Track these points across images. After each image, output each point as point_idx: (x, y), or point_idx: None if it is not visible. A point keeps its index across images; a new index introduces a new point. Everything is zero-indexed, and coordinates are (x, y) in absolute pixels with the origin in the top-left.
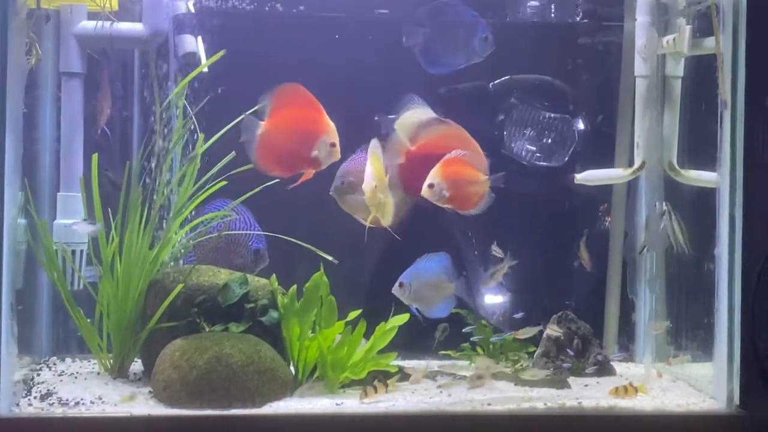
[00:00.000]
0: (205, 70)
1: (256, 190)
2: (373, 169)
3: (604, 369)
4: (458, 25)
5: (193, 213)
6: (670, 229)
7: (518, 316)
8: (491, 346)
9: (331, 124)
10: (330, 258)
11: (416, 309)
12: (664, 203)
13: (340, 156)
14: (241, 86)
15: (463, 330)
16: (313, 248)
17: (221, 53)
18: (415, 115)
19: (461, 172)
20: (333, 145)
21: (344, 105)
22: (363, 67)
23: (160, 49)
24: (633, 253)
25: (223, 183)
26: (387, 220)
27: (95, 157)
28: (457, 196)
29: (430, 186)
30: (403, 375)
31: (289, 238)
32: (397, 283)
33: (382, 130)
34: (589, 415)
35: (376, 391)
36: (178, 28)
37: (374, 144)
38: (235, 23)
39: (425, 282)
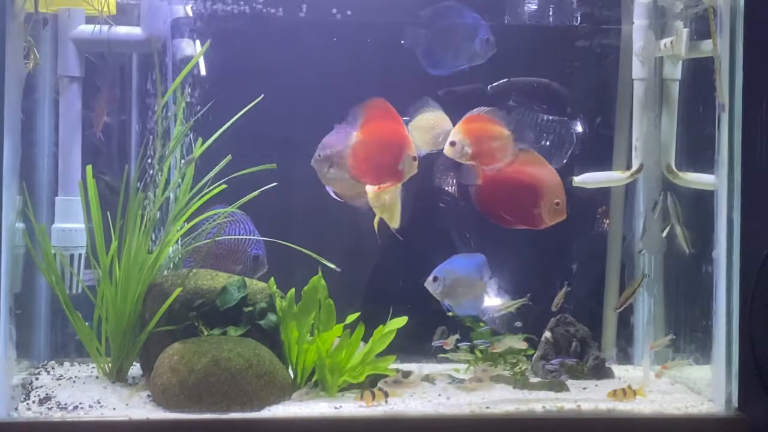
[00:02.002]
0: (203, 72)
1: (254, 194)
2: None
3: (600, 370)
4: (460, 27)
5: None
6: (674, 215)
7: (517, 324)
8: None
9: (411, 139)
10: (332, 266)
11: (448, 305)
12: (669, 195)
13: (417, 170)
14: (241, 89)
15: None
16: (315, 255)
17: (207, 44)
18: (429, 117)
19: (483, 129)
20: (415, 159)
21: (344, 106)
22: (362, 68)
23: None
24: (631, 250)
25: (223, 187)
26: (394, 223)
27: (89, 168)
28: (480, 153)
29: (452, 144)
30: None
31: (289, 244)
32: (431, 277)
33: None
34: (587, 418)
35: (373, 398)
36: (176, 32)
37: None
38: (233, 26)
39: (459, 278)
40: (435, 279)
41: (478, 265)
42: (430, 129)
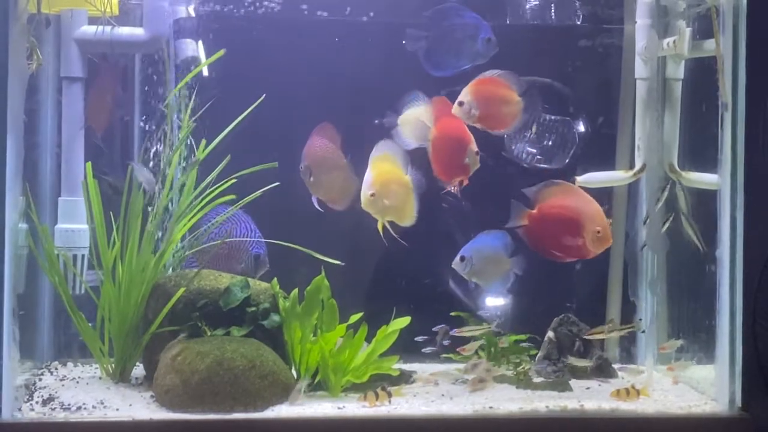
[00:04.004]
0: (206, 73)
1: (256, 194)
2: (373, 175)
3: (604, 370)
4: (461, 27)
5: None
6: (683, 203)
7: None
8: (492, 349)
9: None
10: (335, 261)
11: (474, 284)
12: (677, 184)
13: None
14: (240, 89)
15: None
16: (316, 254)
17: (220, 53)
18: (420, 112)
19: (493, 92)
20: (477, 153)
21: (343, 107)
22: (362, 69)
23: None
24: (634, 249)
25: (233, 181)
26: (408, 221)
27: (89, 166)
28: (488, 115)
29: (460, 104)
30: (408, 378)
31: (290, 245)
32: (457, 257)
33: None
34: (591, 418)
35: (377, 398)
36: (178, 32)
37: (380, 147)
38: (235, 27)
39: (485, 256)
40: (462, 259)
41: (503, 242)
42: (421, 123)
